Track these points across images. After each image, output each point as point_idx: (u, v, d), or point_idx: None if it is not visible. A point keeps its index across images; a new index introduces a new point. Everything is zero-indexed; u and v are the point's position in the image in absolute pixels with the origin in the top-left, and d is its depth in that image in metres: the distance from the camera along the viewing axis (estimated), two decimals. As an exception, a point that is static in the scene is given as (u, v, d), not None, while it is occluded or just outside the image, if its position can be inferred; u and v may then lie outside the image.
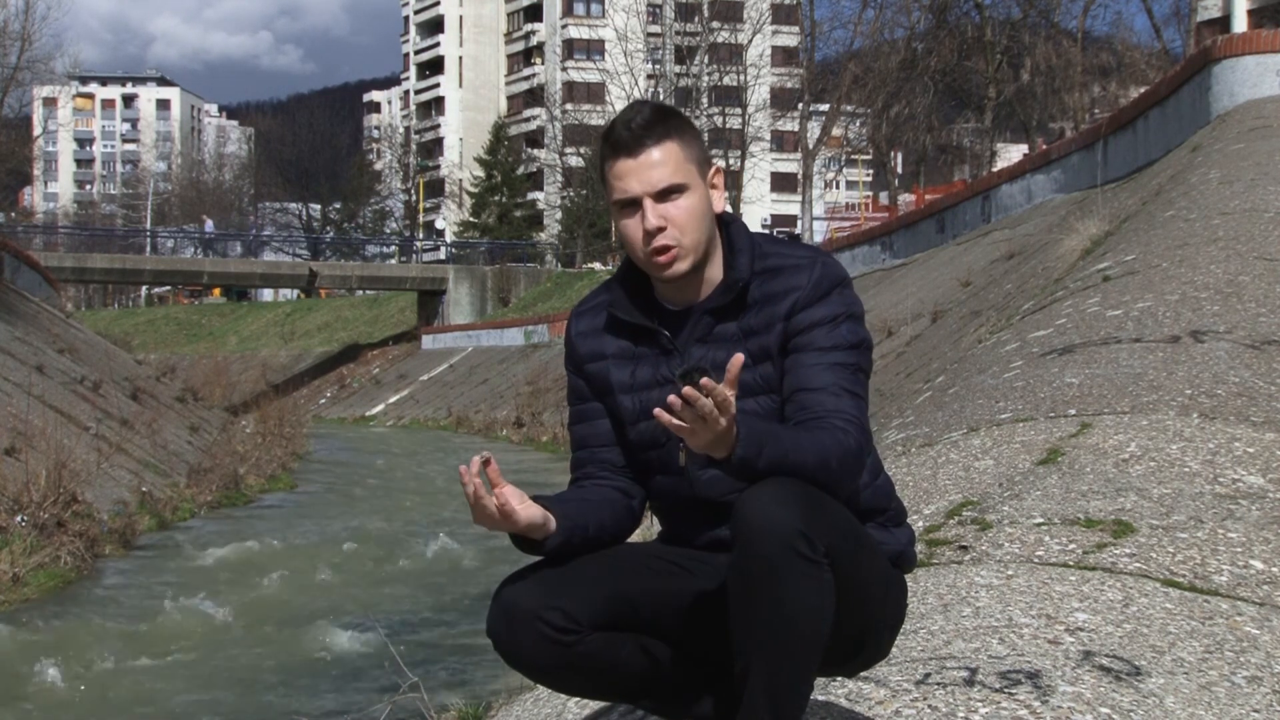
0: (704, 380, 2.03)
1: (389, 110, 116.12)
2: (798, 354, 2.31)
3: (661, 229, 2.30)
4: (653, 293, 2.42)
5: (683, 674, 2.41)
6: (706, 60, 53.56)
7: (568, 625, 2.27)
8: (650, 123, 2.32)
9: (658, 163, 2.30)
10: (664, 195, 2.31)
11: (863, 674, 2.75)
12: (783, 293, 2.33)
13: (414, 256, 68.90)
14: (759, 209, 69.82)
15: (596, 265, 59.09)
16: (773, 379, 2.33)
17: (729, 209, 2.46)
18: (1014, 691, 2.77)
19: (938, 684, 2.83)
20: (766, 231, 2.44)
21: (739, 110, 52.56)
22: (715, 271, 2.38)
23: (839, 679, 2.81)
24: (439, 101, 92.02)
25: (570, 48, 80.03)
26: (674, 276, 2.34)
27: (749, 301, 2.35)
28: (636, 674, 2.38)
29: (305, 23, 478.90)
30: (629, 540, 2.47)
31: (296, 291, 76.75)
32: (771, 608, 2.13)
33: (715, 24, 54.41)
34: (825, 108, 46.26)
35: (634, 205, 2.32)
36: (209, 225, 75.84)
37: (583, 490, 2.44)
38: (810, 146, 44.24)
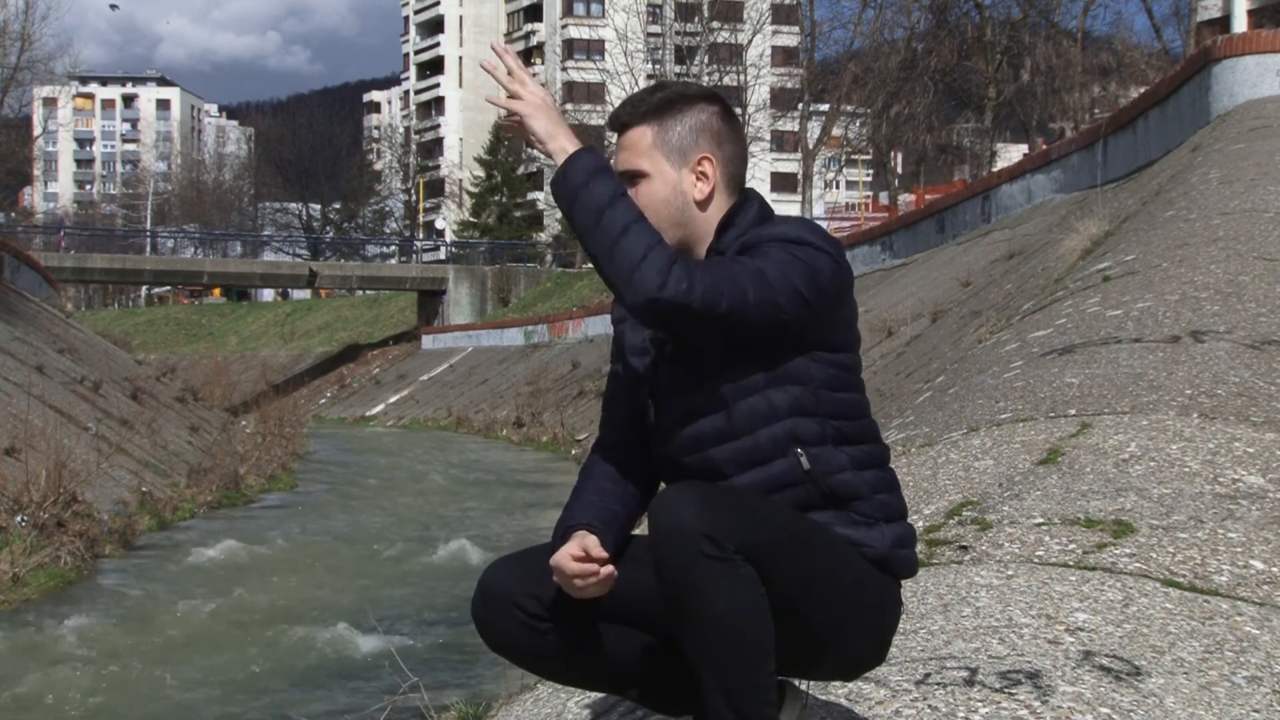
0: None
1: (389, 110, 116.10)
2: None
3: None
4: None
5: (669, 666, 2.41)
6: (706, 60, 53.51)
7: (541, 612, 2.30)
8: (629, 108, 2.39)
9: (623, 146, 2.39)
10: (627, 178, 2.36)
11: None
12: (742, 248, 2.33)
13: (414, 256, 68.95)
14: (759, 209, 69.69)
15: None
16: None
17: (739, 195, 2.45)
18: (1014, 691, 2.77)
19: (938, 684, 2.83)
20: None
21: (739, 110, 52.56)
22: (703, 252, 2.39)
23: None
24: (439, 101, 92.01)
25: (570, 48, 79.99)
26: None
27: None
28: (620, 664, 2.40)
29: (313, 23, 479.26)
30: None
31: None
32: (696, 611, 2.14)
33: (715, 24, 54.35)
34: (825, 108, 46.25)
35: None
36: None
37: (607, 480, 2.44)
38: (810, 146, 44.23)
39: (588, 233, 2.21)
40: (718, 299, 2.18)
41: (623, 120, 2.38)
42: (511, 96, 2.30)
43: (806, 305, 2.25)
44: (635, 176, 2.36)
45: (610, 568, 2.26)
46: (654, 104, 2.38)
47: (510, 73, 2.30)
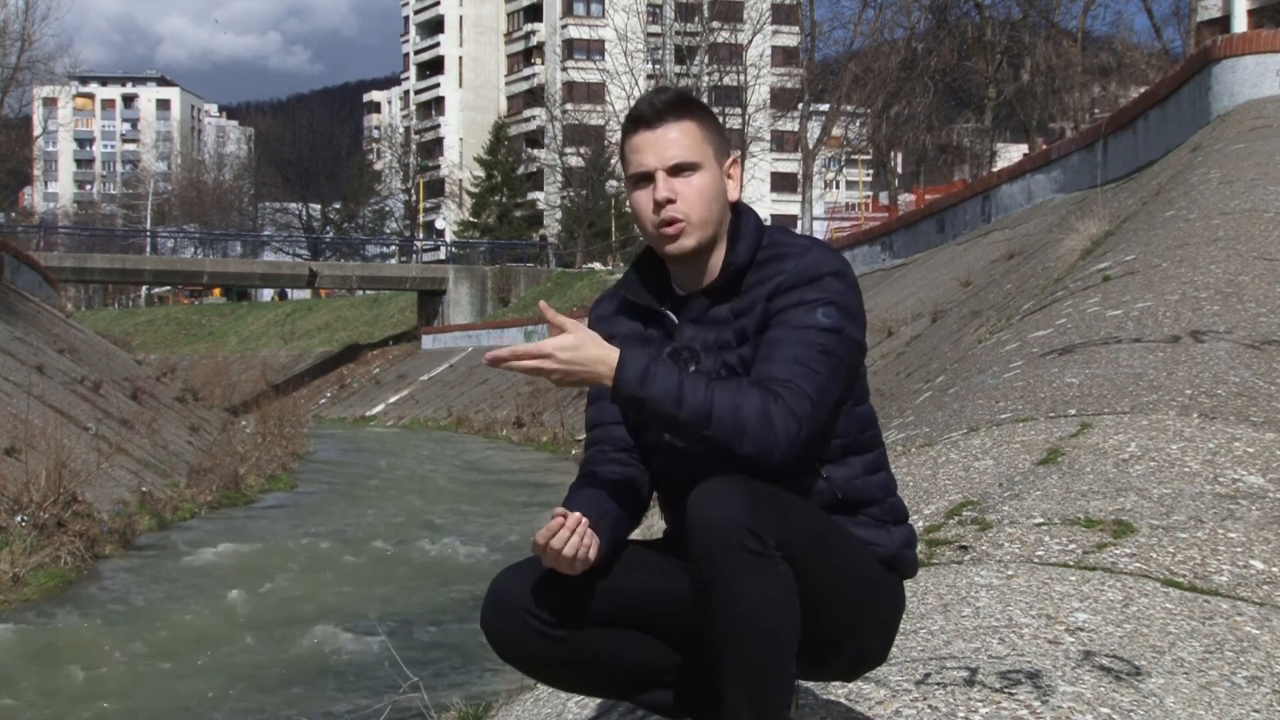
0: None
1: (389, 110, 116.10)
2: (770, 331, 2.30)
3: (670, 201, 2.33)
4: (669, 278, 2.45)
5: (677, 672, 2.41)
6: (706, 60, 53.48)
7: (555, 619, 2.28)
8: (673, 102, 2.36)
9: (674, 140, 2.34)
10: (676, 170, 2.34)
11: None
12: (770, 276, 2.34)
13: (414, 256, 68.91)
14: (759, 209, 69.60)
15: (596, 265, 59.04)
16: (751, 361, 2.33)
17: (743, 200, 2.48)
18: (1014, 691, 2.77)
19: (938, 684, 2.83)
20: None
21: (739, 110, 52.53)
22: (721, 257, 2.40)
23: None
24: (439, 101, 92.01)
25: (570, 48, 80.00)
26: (679, 252, 2.36)
27: (745, 286, 2.37)
28: (629, 670, 2.39)
29: (314, 24, 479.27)
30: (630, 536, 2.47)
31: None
32: (728, 606, 2.13)
33: (715, 24, 54.32)
34: (825, 108, 46.22)
35: (648, 179, 2.36)
36: None
37: (599, 485, 2.42)
38: (810, 146, 44.21)
39: (672, 433, 2.21)
40: (815, 411, 2.21)
41: (659, 109, 2.35)
42: (539, 372, 2.19)
43: (863, 349, 2.34)
44: (686, 168, 2.34)
45: (579, 514, 2.23)
46: (699, 105, 2.38)
47: (516, 358, 2.18)
